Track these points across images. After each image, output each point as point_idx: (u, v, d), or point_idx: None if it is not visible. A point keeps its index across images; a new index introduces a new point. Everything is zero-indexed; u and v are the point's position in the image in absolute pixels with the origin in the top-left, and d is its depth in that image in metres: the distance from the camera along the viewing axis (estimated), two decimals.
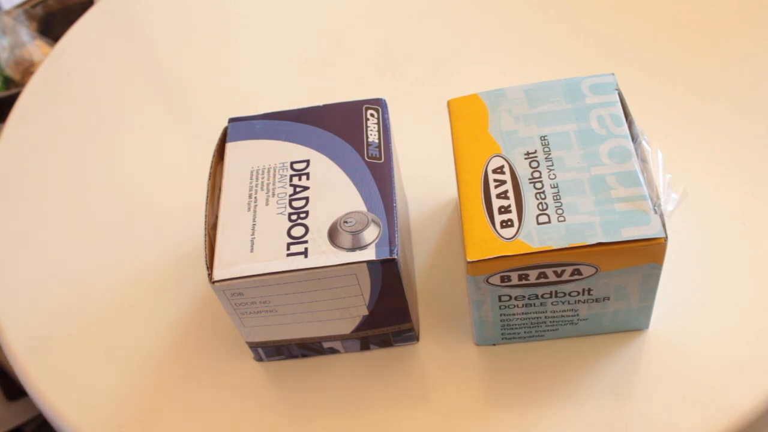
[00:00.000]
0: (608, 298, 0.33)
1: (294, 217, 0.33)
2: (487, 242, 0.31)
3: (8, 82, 1.13)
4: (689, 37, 0.49)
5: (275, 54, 0.54)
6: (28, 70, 1.11)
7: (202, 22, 0.57)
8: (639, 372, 0.35)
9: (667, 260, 0.38)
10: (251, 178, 0.35)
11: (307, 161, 0.35)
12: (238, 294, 0.32)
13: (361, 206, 0.33)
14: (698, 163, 0.42)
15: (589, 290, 0.32)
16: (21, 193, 0.48)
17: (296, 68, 0.52)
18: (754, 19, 0.49)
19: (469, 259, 0.31)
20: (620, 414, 0.34)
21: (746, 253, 0.38)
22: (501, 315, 0.34)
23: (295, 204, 0.34)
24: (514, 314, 0.34)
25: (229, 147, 0.36)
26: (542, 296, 0.33)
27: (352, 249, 0.31)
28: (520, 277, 0.31)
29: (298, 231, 0.33)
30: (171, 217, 0.45)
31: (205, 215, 0.34)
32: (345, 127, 0.36)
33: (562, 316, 0.34)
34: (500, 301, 0.33)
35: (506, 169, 0.33)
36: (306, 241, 0.32)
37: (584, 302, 0.33)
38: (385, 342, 0.37)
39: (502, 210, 0.32)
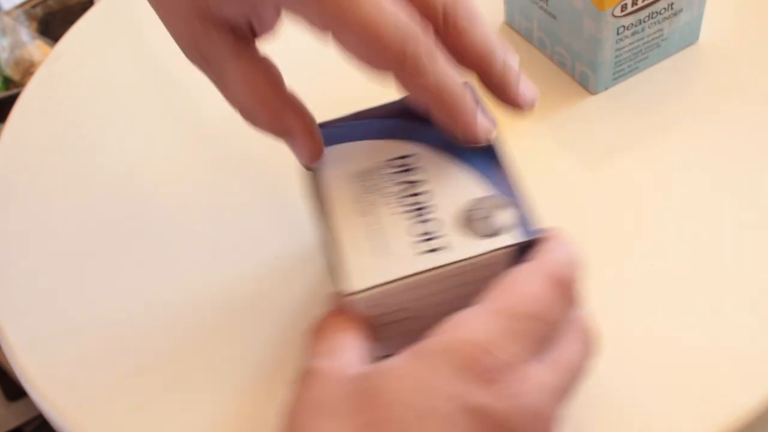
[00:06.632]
0: (681, 10, 0.44)
1: (416, 213, 0.31)
2: None
3: (8, 82, 1.13)
4: None
5: (276, 53, 0.53)
6: (28, 70, 1.11)
7: None
8: (639, 372, 0.35)
9: (667, 262, 0.38)
10: (357, 181, 0.33)
11: (411, 155, 0.33)
12: (376, 305, 0.30)
13: (485, 191, 0.31)
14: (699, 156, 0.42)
15: (671, 4, 0.43)
16: (21, 193, 0.48)
17: (298, 67, 0.52)
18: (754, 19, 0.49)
19: None
20: (620, 414, 0.33)
21: (746, 252, 0.38)
22: (615, 51, 0.43)
23: (413, 200, 0.31)
24: (624, 47, 0.43)
25: (325, 152, 0.34)
26: (643, 20, 0.42)
27: (491, 236, 0.29)
28: (633, 3, 0.41)
29: (424, 227, 0.30)
30: (170, 216, 0.45)
31: (318, 226, 0.32)
32: None
33: (652, 39, 0.44)
34: (618, 34, 0.42)
35: None
36: (438, 236, 0.30)
37: (667, 18, 0.43)
38: None
39: None
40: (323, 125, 0.35)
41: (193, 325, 0.39)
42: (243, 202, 0.44)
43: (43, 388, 0.38)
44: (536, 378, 0.26)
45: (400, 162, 0.33)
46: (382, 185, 0.32)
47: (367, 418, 0.25)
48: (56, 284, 0.42)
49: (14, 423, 0.93)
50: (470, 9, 0.30)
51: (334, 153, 0.34)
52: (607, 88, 0.46)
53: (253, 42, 0.31)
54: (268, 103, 0.31)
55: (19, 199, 0.47)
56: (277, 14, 0.30)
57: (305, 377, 0.28)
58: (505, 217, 0.30)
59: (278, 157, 0.46)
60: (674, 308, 0.37)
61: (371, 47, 0.29)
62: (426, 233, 0.30)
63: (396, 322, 0.31)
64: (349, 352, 0.28)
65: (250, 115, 0.32)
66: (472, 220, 0.30)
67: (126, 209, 0.46)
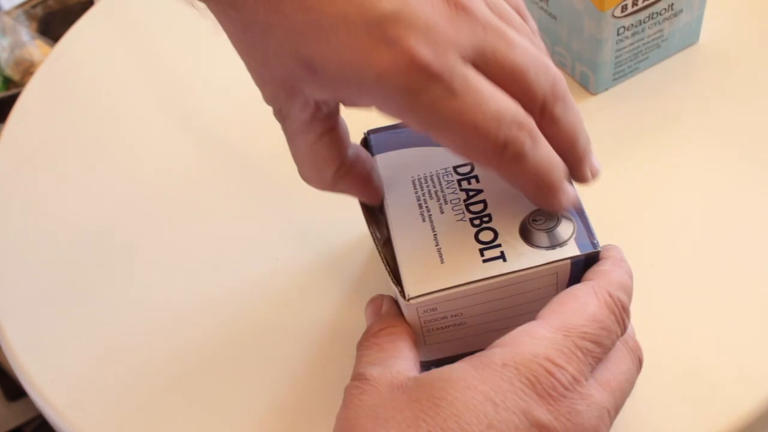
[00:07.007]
0: (681, 11, 0.44)
1: (477, 221, 0.31)
2: None
3: (8, 82, 1.13)
4: None
5: None
6: (28, 70, 1.11)
7: (202, 21, 0.57)
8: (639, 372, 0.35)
9: (665, 260, 0.38)
10: (415, 188, 0.33)
11: (470, 164, 0.33)
12: (432, 310, 0.30)
13: None
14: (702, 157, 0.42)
15: (672, 5, 0.43)
16: (21, 193, 0.48)
17: None
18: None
19: None
20: (620, 414, 0.33)
21: (746, 251, 0.38)
22: (616, 51, 0.43)
23: (473, 208, 0.31)
24: (624, 48, 0.44)
25: (379, 159, 0.34)
26: (643, 21, 0.42)
27: (552, 247, 0.30)
28: (633, 4, 0.42)
29: (486, 235, 0.31)
30: (170, 216, 0.45)
31: (371, 232, 0.32)
32: None
33: (652, 39, 0.45)
34: (618, 34, 0.42)
35: None
36: (499, 245, 0.30)
37: (668, 19, 0.44)
38: None
39: None
40: (381, 130, 0.35)
41: (193, 325, 0.39)
42: (245, 202, 0.44)
43: (43, 388, 0.38)
44: (593, 397, 0.27)
45: (459, 171, 0.33)
46: (442, 192, 0.32)
47: (432, 426, 0.25)
48: (56, 284, 0.42)
49: (14, 423, 0.93)
50: (567, 95, 0.30)
51: (393, 158, 0.34)
52: (607, 89, 0.46)
53: (335, 113, 0.31)
54: (322, 176, 0.31)
55: (19, 199, 0.47)
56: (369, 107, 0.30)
57: (357, 385, 0.28)
58: (563, 230, 0.30)
59: (281, 156, 0.46)
60: (674, 308, 0.37)
61: (470, 145, 0.28)
62: (485, 242, 0.30)
63: (446, 328, 0.31)
64: (401, 361, 0.29)
65: (306, 177, 0.32)
66: (531, 232, 0.30)
67: (126, 209, 0.46)
